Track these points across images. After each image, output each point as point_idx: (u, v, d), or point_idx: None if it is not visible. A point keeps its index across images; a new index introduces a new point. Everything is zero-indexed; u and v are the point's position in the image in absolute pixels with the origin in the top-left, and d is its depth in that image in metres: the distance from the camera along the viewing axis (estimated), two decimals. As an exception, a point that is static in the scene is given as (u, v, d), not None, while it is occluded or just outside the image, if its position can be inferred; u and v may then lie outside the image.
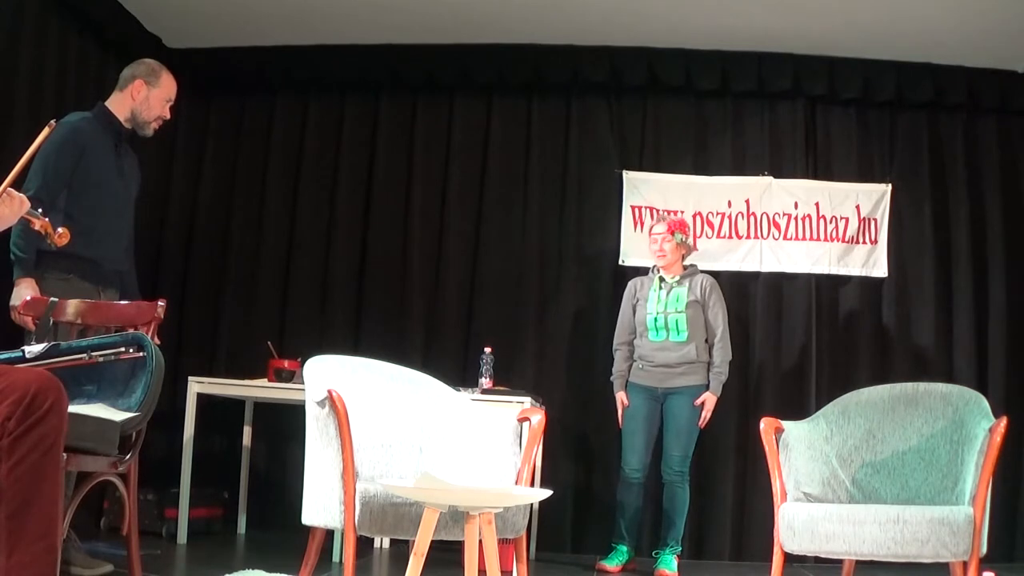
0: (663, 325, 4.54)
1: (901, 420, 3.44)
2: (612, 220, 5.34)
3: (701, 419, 4.50)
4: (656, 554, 4.51)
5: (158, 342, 2.78)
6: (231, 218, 5.56)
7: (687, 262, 4.72)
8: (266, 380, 4.70)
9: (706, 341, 4.57)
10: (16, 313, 3.28)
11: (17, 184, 2.41)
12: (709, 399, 4.50)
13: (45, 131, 2.45)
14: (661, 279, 4.62)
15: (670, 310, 4.54)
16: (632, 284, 4.76)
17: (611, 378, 4.70)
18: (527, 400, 4.52)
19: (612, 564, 4.49)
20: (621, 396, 4.64)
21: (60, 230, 2.63)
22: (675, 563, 4.40)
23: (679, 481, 4.47)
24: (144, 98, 3.64)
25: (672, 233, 4.60)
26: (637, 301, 4.68)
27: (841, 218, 5.24)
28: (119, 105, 3.65)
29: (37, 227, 2.56)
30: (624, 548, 4.56)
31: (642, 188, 5.33)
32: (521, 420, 3.29)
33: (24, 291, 3.31)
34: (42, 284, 3.37)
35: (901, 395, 3.50)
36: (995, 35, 4.85)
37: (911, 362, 5.12)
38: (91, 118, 3.59)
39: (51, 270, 3.41)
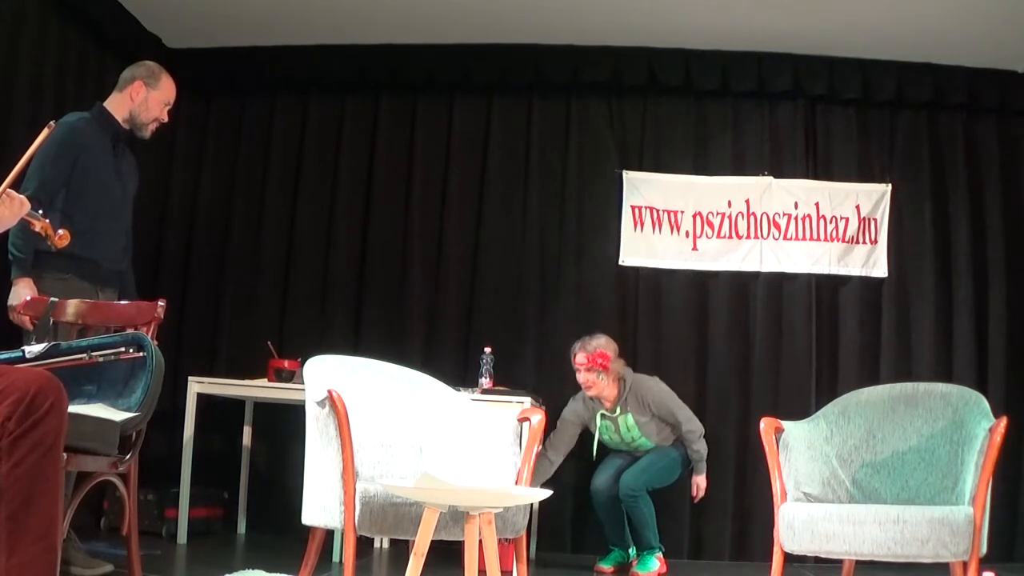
0: (626, 446, 4.60)
1: (901, 420, 3.44)
2: (612, 220, 5.34)
3: (696, 498, 4.55)
4: (637, 556, 4.52)
5: (158, 342, 2.78)
6: (231, 218, 5.56)
7: (620, 372, 4.56)
8: (266, 380, 4.71)
9: (668, 423, 4.56)
10: (15, 313, 3.28)
11: (16, 185, 2.41)
12: (700, 482, 4.53)
13: (44, 132, 2.45)
14: (602, 415, 4.56)
15: (627, 439, 4.57)
16: (575, 408, 4.61)
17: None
18: (527, 400, 4.52)
19: (607, 565, 4.52)
20: None
21: (61, 232, 2.64)
22: (656, 563, 4.40)
23: (633, 498, 4.43)
24: (143, 100, 3.64)
25: (591, 371, 4.47)
26: (586, 426, 4.63)
27: (841, 218, 5.24)
28: (118, 106, 3.65)
29: (38, 228, 2.56)
30: (618, 550, 4.58)
31: (642, 188, 5.33)
32: (521, 420, 3.29)
33: (22, 291, 3.31)
34: (40, 284, 3.37)
35: (901, 395, 3.50)
36: (995, 35, 4.85)
37: (911, 362, 5.12)
38: (89, 118, 3.59)
39: (49, 270, 3.41)
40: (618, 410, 4.53)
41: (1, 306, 3.42)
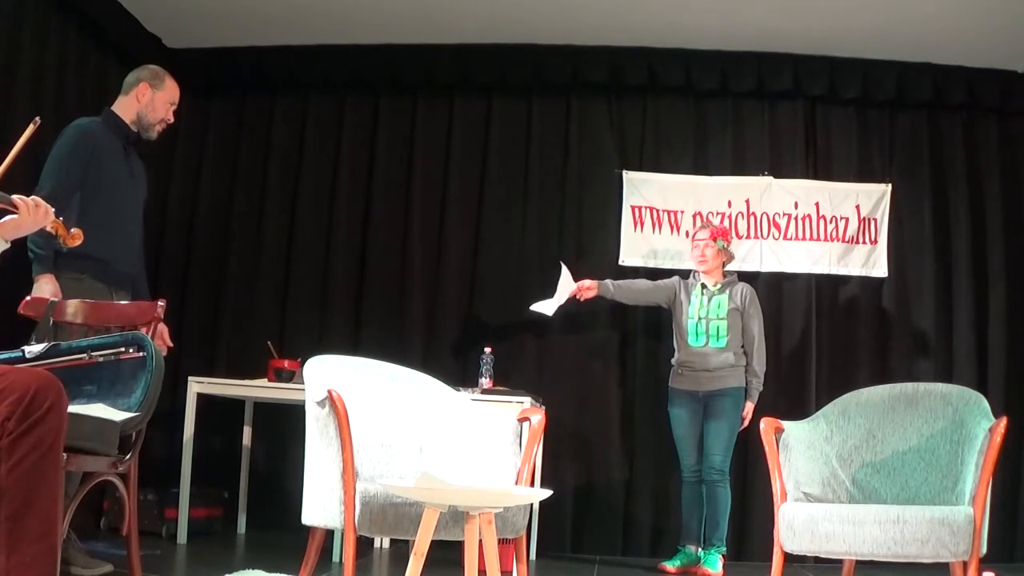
0: (703, 331, 4.61)
1: (901, 420, 3.44)
2: (612, 220, 5.34)
3: (745, 420, 4.59)
4: (702, 554, 4.52)
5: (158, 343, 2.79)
6: (231, 218, 5.56)
7: (727, 268, 4.77)
8: (266, 380, 4.71)
9: (742, 347, 4.63)
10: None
11: (8, 183, 2.42)
12: (748, 409, 4.59)
13: (30, 128, 2.48)
14: (703, 285, 4.68)
15: (711, 316, 4.61)
16: (673, 282, 4.80)
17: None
18: (527, 400, 4.52)
19: (674, 565, 4.51)
20: (587, 282, 4.78)
21: (73, 231, 2.65)
22: (720, 563, 4.41)
23: (720, 480, 4.50)
24: (149, 100, 3.70)
25: (714, 240, 4.68)
26: (676, 302, 4.73)
27: (841, 218, 5.24)
28: (125, 109, 3.70)
29: (49, 228, 2.57)
30: (689, 550, 4.57)
31: (642, 188, 5.33)
32: (521, 420, 3.29)
33: (45, 287, 3.33)
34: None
35: (901, 395, 3.50)
36: (995, 35, 4.85)
37: (911, 362, 5.12)
38: (100, 122, 3.64)
39: (65, 270, 3.44)
40: (719, 287, 4.66)
41: (3, 306, 3.42)
